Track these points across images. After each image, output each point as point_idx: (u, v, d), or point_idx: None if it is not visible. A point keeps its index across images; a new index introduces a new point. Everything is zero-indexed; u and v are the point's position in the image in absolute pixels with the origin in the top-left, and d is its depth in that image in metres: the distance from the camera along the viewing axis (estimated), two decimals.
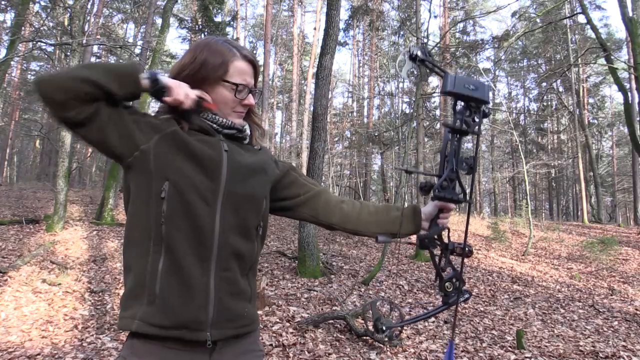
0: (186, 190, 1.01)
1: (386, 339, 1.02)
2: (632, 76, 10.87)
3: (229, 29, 21.73)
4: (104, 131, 0.99)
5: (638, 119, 12.93)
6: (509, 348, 4.41)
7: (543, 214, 24.22)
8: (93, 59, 22.70)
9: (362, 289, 6.47)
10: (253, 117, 1.22)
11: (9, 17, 17.58)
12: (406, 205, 1.17)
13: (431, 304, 6.07)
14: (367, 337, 4.39)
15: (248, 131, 1.18)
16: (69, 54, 11.97)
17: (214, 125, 1.11)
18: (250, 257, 1.10)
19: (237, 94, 1.11)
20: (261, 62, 20.99)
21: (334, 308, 5.38)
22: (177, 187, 1.01)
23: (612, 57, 10.30)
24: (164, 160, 1.02)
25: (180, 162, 1.03)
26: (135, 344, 1.02)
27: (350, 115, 27.52)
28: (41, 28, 13.64)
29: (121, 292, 5.30)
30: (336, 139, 26.70)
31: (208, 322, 1.01)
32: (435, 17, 26.09)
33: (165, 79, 1.03)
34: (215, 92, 1.11)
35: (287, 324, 4.60)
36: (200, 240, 1.01)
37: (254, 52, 26.54)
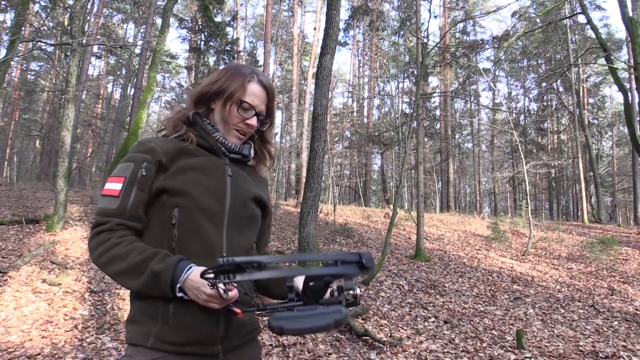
0: (195, 214, 1.07)
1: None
2: (632, 76, 10.87)
3: (229, 29, 21.72)
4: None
5: (638, 119, 12.95)
6: (509, 348, 4.41)
7: (543, 214, 24.17)
8: (93, 59, 22.73)
9: (362, 289, 6.47)
10: (268, 145, 1.28)
11: (9, 17, 17.57)
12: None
13: (431, 304, 6.07)
14: (367, 337, 4.39)
15: (252, 155, 1.25)
16: (69, 54, 11.98)
17: (222, 148, 1.17)
18: None
19: (240, 109, 1.15)
20: (261, 62, 20.97)
21: None
22: (185, 212, 1.07)
23: (612, 57, 10.28)
24: (172, 191, 1.08)
25: (188, 190, 1.08)
26: (147, 350, 1.04)
27: (350, 115, 27.51)
28: (41, 28, 13.64)
29: (121, 292, 5.30)
30: (336, 139, 26.70)
31: (219, 336, 1.07)
32: (435, 17, 26.19)
33: (184, 286, 0.98)
34: (224, 107, 1.16)
35: None
36: (211, 260, 1.05)
37: (254, 52, 26.58)
